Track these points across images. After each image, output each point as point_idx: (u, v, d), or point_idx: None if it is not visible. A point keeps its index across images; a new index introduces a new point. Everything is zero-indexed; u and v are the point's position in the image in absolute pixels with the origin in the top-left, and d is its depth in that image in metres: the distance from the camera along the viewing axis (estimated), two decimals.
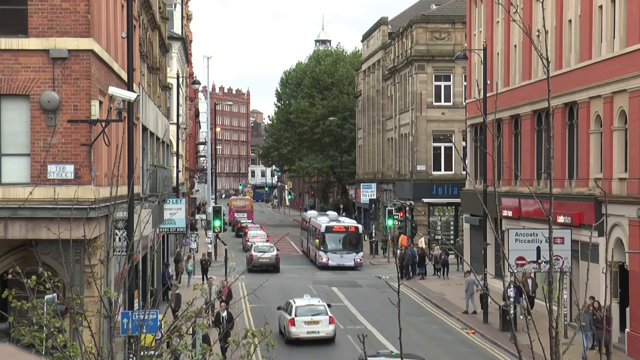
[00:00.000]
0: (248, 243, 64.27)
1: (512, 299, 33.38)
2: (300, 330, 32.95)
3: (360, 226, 60.20)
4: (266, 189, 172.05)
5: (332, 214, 67.20)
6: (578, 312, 28.92)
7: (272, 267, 54.36)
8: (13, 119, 21.49)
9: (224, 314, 30.90)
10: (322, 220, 60.20)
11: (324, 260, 56.75)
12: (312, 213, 69.85)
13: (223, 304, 31.77)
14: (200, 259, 51.42)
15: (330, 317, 33.53)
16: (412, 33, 64.08)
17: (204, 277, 48.89)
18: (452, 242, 59.91)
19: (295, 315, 33.23)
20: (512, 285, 36.97)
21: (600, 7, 33.85)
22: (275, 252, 54.66)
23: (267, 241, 62.45)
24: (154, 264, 38.88)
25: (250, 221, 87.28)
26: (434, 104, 62.95)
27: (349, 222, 61.02)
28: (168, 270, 45.15)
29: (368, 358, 24.26)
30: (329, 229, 57.59)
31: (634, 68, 30.70)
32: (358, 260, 57.16)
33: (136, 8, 31.84)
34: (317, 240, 58.24)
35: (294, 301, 34.36)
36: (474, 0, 50.07)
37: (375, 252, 65.57)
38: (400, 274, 44.65)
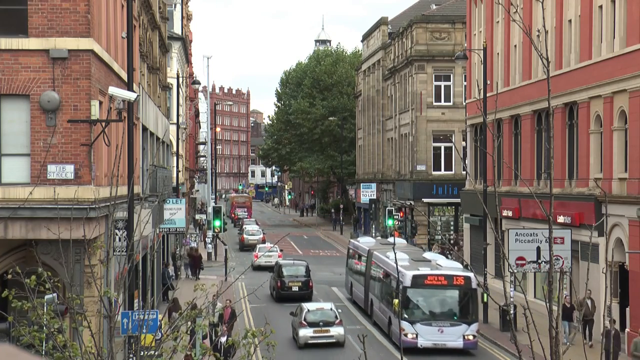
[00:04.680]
0: (242, 227, 78.60)
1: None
2: (260, 261, 54.65)
3: (471, 275, 33.27)
4: (266, 188, 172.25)
5: (401, 242, 46.91)
6: (635, 342, 27.85)
7: None
8: (13, 119, 21.48)
9: (224, 339, 25.36)
10: (402, 261, 35.00)
11: (410, 337, 32.09)
12: (367, 241, 46.55)
13: (225, 327, 27.85)
14: (187, 253, 53.88)
15: (279, 254, 54.36)
16: (412, 33, 64.06)
17: (197, 273, 49.42)
18: (451, 241, 59.84)
19: (258, 252, 56.63)
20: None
21: (600, 7, 33.86)
22: (261, 235, 69.99)
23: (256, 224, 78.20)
24: (154, 264, 38.87)
25: (246, 215, 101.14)
26: (434, 104, 62.91)
27: (451, 269, 34.34)
28: (168, 270, 45.25)
29: (282, 262, 44.92)
30: (418, 282, 33.19)
31: (634, 68, 30.72)
32: (470, 337, 32.43)
33: (136, 8, 31.83)
34: (395, 301, 33.17)
35: (258, 247, 59.49)
36: (474, 0, 50.08)
37: None
38: None
